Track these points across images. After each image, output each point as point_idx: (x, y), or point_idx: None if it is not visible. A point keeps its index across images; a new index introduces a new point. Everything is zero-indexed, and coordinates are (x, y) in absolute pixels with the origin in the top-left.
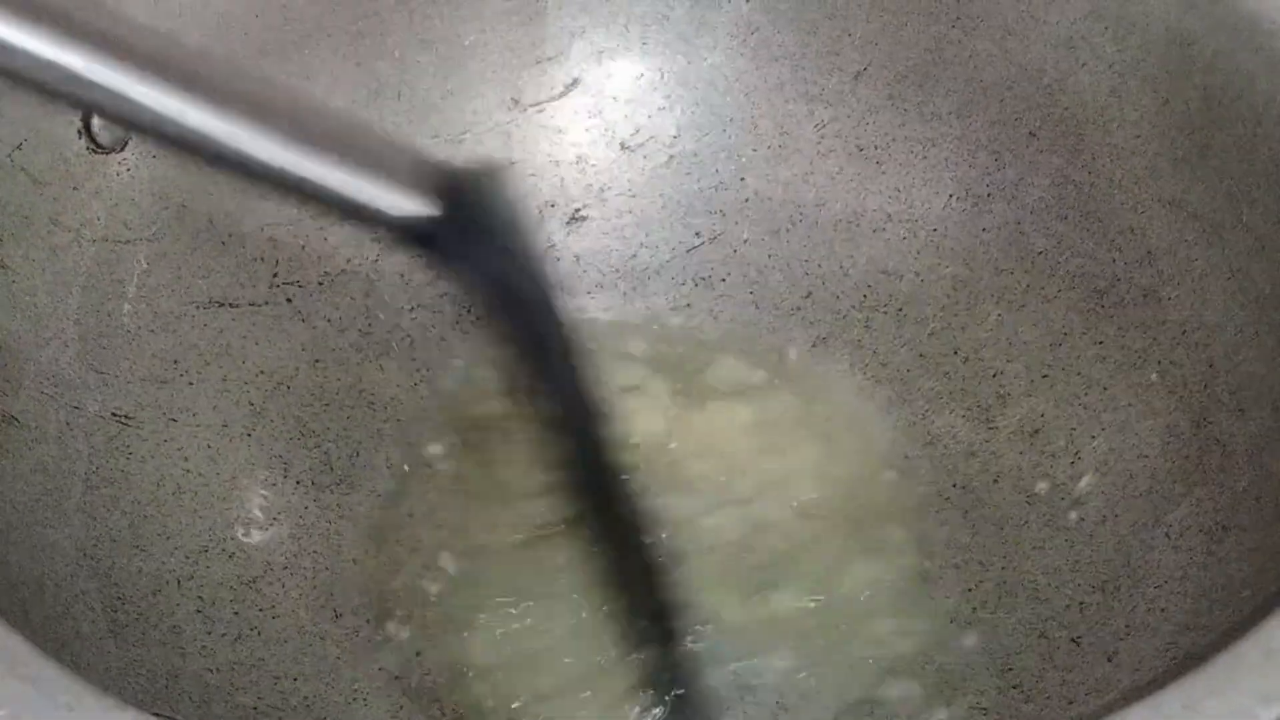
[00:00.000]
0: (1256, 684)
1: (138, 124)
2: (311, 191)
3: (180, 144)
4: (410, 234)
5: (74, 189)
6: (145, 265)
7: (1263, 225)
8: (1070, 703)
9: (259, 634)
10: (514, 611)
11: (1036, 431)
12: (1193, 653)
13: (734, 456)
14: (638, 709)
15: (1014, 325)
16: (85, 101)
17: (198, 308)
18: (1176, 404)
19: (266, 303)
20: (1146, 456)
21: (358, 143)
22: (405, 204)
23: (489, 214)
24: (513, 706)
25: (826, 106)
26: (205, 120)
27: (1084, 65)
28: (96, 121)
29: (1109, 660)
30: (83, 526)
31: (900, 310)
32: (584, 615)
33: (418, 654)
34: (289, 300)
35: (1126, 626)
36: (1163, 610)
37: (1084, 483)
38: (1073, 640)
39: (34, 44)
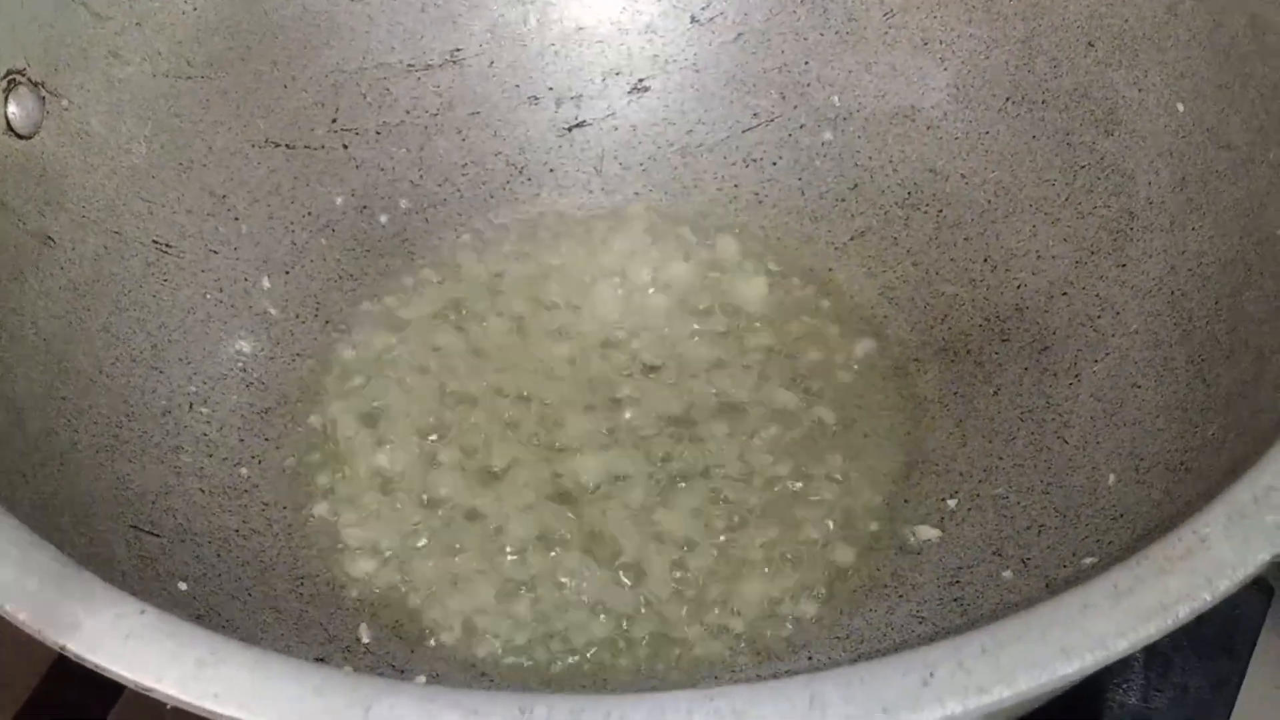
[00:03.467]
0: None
1: None
2: None
3: None
4: None
5: (137, 24)
6: (205, 102)
7: None
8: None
9: (259, 462)
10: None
11: (1045, 349)
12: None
13: None
14: None
15: (1046, 239)
16: None
17: (253, 146)
18: (1179, 337)
19: (323, 146)
20: (1140, 387)
21: None
22: None
23: None
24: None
25: None
26: None
27: None
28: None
29: (1046, 587)
30: (104, 346)
31: (940, 212)
32: None
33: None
34: (345, 146)
35: (1073, 555)
36: (1110, 543)
37: (1079, 404)
38: (1023, 561)
39: None
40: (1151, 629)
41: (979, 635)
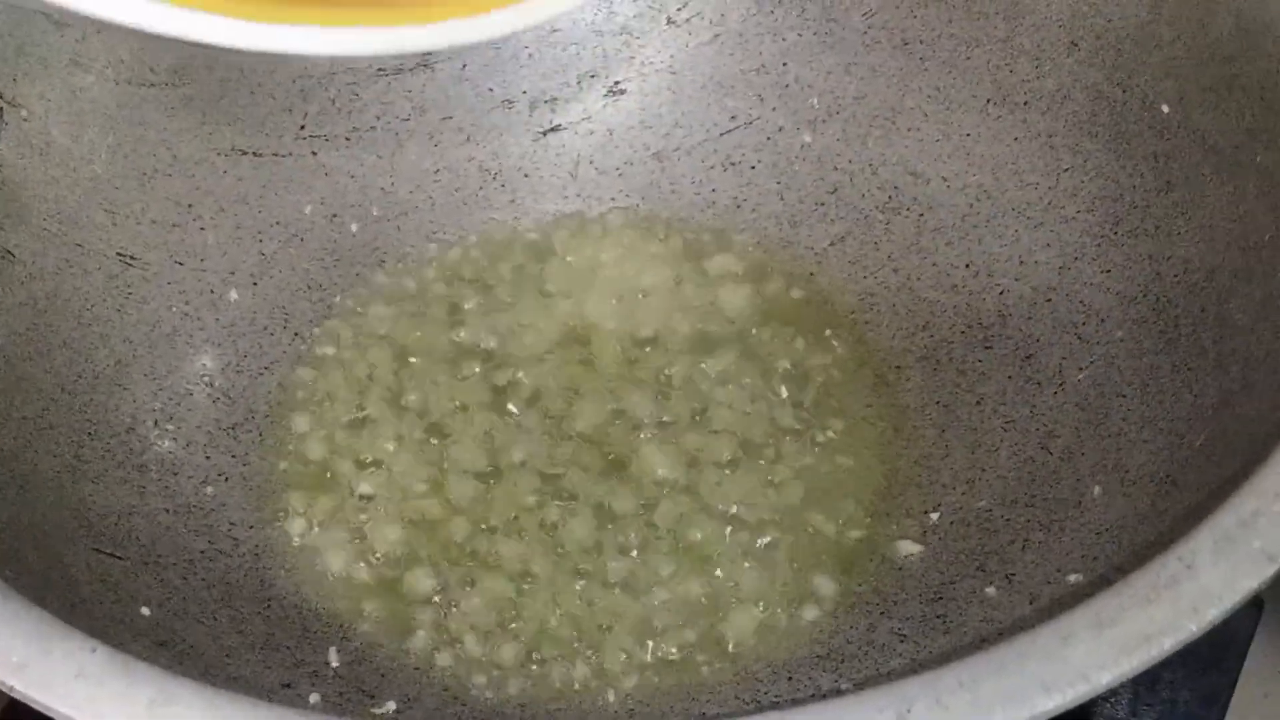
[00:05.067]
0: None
1: None
2: None
3: None
4: None
5: (98, 31)
6: (169, 110)
7: (1276, 169)
8: (983, 641)
9: (226, 480)
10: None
11: (1029, 357)
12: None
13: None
14: None
15: (1029, 244)
16: None
17: (219, 154)
18: (1164, 346)
19: (291, 154)
20: (1124, 396)
21: None
22: None
23: None
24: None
25: None
26: None
27: None
28: None
29: (1030, 604)
30: (65, 363)
31: (921, 216)
32: None
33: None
34: (314, 153)
35: (1058, 570)
36: (1094, 560)
37: (1063, 414)
38: (1006, 577)
39: None
40: (1135, 661)
41: (956, 669)
